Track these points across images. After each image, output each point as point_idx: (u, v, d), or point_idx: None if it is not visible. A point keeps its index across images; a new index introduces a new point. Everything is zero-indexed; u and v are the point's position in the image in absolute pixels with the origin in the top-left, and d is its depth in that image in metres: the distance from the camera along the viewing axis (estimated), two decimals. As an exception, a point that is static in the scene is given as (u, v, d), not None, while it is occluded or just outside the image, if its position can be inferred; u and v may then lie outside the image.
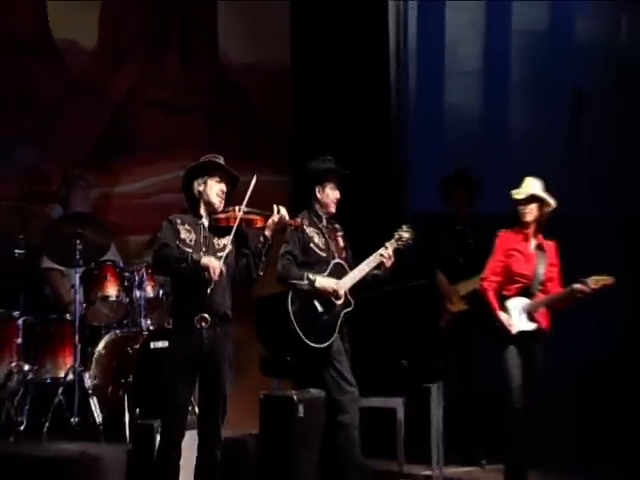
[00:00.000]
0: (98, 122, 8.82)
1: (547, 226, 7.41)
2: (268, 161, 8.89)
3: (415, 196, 9.57)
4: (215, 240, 6.20)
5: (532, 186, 7.37)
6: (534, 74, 9.81)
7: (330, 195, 6.96)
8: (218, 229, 6.19)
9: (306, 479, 6.92)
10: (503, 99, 9.81)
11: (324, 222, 7.00)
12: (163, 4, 9.17)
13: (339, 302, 6.87)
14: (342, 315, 6.88)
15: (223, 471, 6.23)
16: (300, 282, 6.76)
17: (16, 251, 7.72)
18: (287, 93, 9.42)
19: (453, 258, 8.46)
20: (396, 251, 6.91)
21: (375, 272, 6.92)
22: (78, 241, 7.58)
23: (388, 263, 6.88)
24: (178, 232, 6.14)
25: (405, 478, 7.83)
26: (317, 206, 6.98)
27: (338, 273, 6.90)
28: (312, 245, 6.89)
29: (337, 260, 6.93)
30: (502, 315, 7.30)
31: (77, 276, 7.63)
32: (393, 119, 9.60)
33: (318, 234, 6.93)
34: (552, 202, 7.36)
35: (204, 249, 6.10)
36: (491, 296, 7.37)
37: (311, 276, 6.77)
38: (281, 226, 6.30)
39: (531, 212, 7.36)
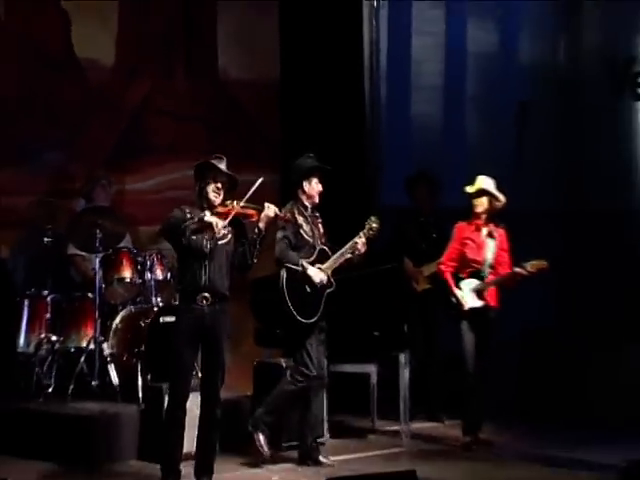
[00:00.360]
0: (115, 129, 8.78)
1: (499, 218, 7.42)
2: (261, 163, 8.86)
3: (386, 193, 9.55)
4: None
5: (482, 182, 7.38)
6: (486, 89, 9.84)
7: (315, 188, 6.95)
8: (219, 220, 6.17)
9: (293, 433, 6.98)
10: (460, 110, 9.83)
11: (309, 211, 7.00)
12: (172, 27, 9.14)
13: (323, 284, 6.87)
14: (325, 295, 6.89)
15: (222, 427, 6.24)
16: (295, 267, 6.76)
17: (45, 239, 7.71)
18: (277, 105, 9.41)
19: (417, 245, 8.47)
20: (368, 239, 6.93)
21: (349, 256, 6.94)
22: (98, 230, 7.55)
23: (362, 249, 6.88)
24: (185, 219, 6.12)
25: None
26: (304, 197, 6.95)
27: (322, 258, 6.91)
28: (302, 231, 6.88)
29: (321, 246, 6.94)
30: (457, 292, 7.34)
31: (97, 260, 7.60)
32: (367, 127, 9.58)
33: (305, 222, 6.92)
34: (501, 197, 7.37)
35: (207, 237, 6.06)
36: (448, 277, 7.41)
37: (305, 264, 6.77)
38: (272, 220, 6.29)
39: (481, 204, 7.37)
